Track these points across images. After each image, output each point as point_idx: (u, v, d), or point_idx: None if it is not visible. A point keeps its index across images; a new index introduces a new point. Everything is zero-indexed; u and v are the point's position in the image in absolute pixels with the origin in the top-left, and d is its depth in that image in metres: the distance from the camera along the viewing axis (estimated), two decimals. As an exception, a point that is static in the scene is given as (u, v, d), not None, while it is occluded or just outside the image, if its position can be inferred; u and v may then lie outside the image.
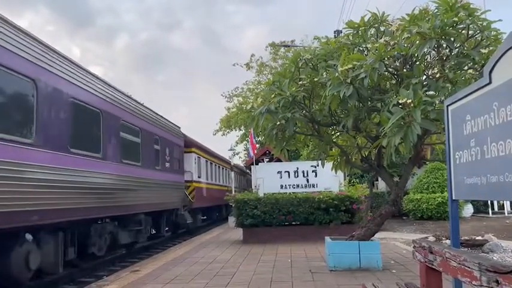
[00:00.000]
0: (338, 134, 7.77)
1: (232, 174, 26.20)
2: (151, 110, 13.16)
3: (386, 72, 5.88)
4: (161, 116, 14.00)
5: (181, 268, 7.72)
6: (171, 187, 14.05)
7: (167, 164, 13.80)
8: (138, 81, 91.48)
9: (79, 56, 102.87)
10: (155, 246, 13.31)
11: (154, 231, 13.74)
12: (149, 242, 13.28)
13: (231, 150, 27.65)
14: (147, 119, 12.33)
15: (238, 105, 32.73)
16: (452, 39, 5.46)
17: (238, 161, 36.55)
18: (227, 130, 35.85)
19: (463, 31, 5.42)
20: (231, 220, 14.97)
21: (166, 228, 14.59)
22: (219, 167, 24.21)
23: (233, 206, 11.93)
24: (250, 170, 22.65)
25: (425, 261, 2.94)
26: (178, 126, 16.13)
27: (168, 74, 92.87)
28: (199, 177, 18.18)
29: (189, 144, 17.37)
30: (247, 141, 30.59)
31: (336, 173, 9.04)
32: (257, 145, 22.32)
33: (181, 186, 15.59)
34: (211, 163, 21.59)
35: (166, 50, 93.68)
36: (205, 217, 21.94)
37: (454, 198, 3.45)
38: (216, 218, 23.94)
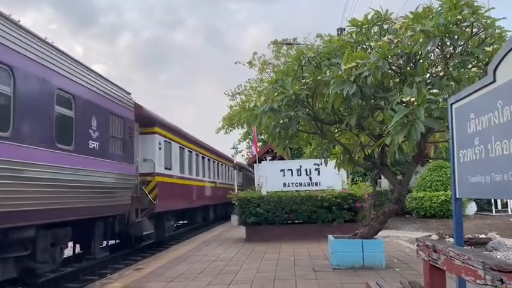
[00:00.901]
0: (341, 132, 7.76)
1: (235, 172, 26.05)
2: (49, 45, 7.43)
3: (389, 71, 5.87)
4: (80, 63, 8.42)
5: (184, 266, 7.73)
6: (107, 183, 8.86)
7: (93, 144, 8.35)
8: (140, 79, 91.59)
9: (81, 55, 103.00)
10: (158, 244, 13.34)
11: (80, 250, 9.42)
12: (150, 241, 12.91)
13: (233, 148, 27.52)
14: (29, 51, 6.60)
15: (240, 103, 32.70)
16: (456, 37, 5.44)
17: (241, 159, 36.50)
18: (230, 128, 35.83)
19: (467, 29, 5.40)
20: (234, 218, 14.98)
21: (103, 245, 9.65)
22: (213, 161, 21.43)
23: (235, 204, 11.94)
24: (253, 168, 22.53)
25: (429, 260, 2.94)
26: (126, 92, 10.66)
27: (170, 72, 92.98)
28: (167, 168, 13.23)
29: (148, 122, 12.03)
30: (250, 139, 30.44)
31: (338, 171, 9.02)
32: (258, 143, 21.62)
33: (130, 181, 10.22)
34: (196, 154, 17.61)
35: (168, 49, 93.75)
36: (185, 221, 18.36)
37: (457, 196, 3.44)
38: (204, 222, 19.96)
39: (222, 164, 24.36)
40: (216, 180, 22.13)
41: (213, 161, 21.66)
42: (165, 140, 13.15)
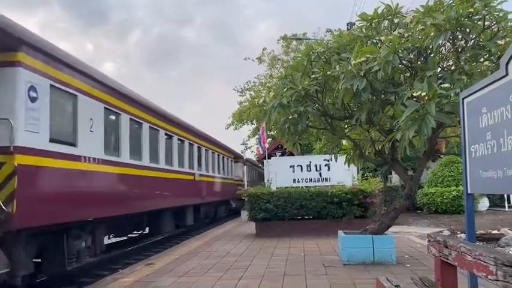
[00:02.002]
0: (351, 127, 7.72)
1: (245, 168, 26.07)
2: None
3: (400, 65, 5.81)
4: None
5: (195, 261, 7.79)
6: None
7: None
8: (150, 77, 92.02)
9: (92, 53, 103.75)
10: (169, 240, 13.44)
11: None
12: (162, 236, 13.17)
13: (243, 144, 27.57)
14: None
15: (250, 99, 32.72)
16: (467, 30, 5.36)
17: (251, 155, 36.55)
18: (239, 124, 35.90)
19: (479, 22, 5.32)
20: (244, 214, 15.02)
21: None
22: (198, 147, 16.28)
23: (245, 200, 11.96)
24: (262, 164, 22.52)
25: (440, 256, 2.92)
26: None
27: (180, 69, 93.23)
28: (60, 142, 7.13)
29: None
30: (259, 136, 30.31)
31: (349, 167, 8.99)
32: (268, 139, 20.81)
33: None
34: (154, 129, 11.59)
35: (178, 45, 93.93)
36: (141, 232, 12.62)
37: (469, 192, 3.41)
38: (179, 230, 14.98)
39: (211, 152, 18.51)
40: (198, 171, 15.91)
41: (198, 146, 16.17)
42: (54, 85, 6.99)
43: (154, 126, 11.62)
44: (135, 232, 12.42)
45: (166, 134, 12.68)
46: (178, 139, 13.93)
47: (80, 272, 8.56)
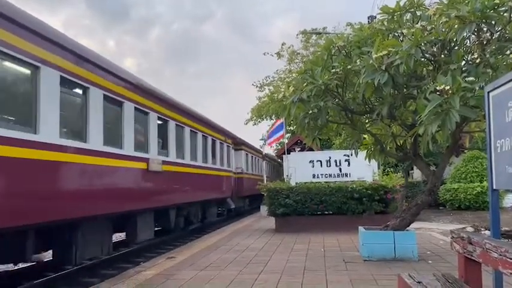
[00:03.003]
0: (372, 122, 7.64)
1: (264, 163, 26.04)
2: None
3: (423, 59, 5.71)
4: None
5: (215, 255, 7.86)
6: None
7: None
8: (170, 72, 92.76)
9: (114, 49, 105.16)
10: (190, 234, 13.60)
11: None
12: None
13: (262, 139, 27.52)
14: None
15: (269, 94, 32.66)
16: (493, 22, 5.21)
17: (270, 150, 36.51)
18: (258, 119, 35.89)
19: (505, 14, 5.17)
20: (263, 209, 15.06)
21: None
22: (182, 126, 12.29)
23: (265, 194, 11.99)
24: (281, 159, 22.37)
25: (464, 252, 2.88)
26: None
27: (199, 64, 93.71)
28: None
29: None
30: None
31: (369, 162, 8.91)
32: (287, 134, 19.40)
33: None
34: (100, 93, 7.87)
35: (197, 41, 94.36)
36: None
37: (494, 188, 3.34)
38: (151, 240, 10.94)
39: (189, 130, 13.01)
40: (157, 156, 10.45)
41: (162, 119, 11.02)
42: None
43: (104, 91, 8.10)
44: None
45: (119, 104, 8.70)
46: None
47: (102, 264, 8.76)
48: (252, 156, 23.51)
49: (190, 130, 13.18)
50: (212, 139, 15.58)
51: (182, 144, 12.50)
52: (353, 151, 7.75)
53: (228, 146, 18.20)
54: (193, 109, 14.05)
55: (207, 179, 14.64)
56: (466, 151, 15.28)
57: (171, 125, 11.65)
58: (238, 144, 20.32)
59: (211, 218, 16.04)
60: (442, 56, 5.71)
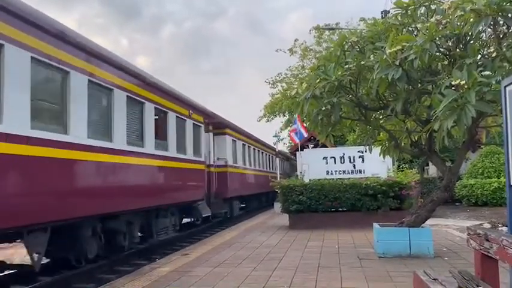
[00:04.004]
0: (386, 118, 7.57)
1: (277, 160, 25.99)
2: None
3: (437, 53, 5.64)
4: None
5: (229, 252, 7.90)
6: None
7: None
8: (182, 69, 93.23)
9: (127, 47, 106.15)
10: (204, 231, 13.67)
11: None
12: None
13: (275, 136, 27.44)
14: None
15: (282, 91, 32.60)
16: (510, 15, 5.11)
17: (283, 147, 36.47)
18: (271, 116, 35.87)
19: (523, 6, 5.07)
20: (277, 206, 15.05)
21: None
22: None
23: (278, 191, 11.99)
24: (295, 156, 22.30)
25: (481, 249, 2.84)
26: None
27: (211, 61, 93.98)
28: None
29: None
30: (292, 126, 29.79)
31: (384, 159, 8.83)
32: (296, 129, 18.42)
33: None
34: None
35: (210, 38, 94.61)
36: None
37: (512, 183, 3.28)
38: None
39: (124, 94, 8.34)
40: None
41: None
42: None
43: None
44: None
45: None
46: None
47: (118, 260, 8.88)
48: (250, 147, 19.28)
49: (126, 93, 8.38)
50: (159, 109, 9.93)
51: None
52: (367, 147, 7.70)
53: (196, 124, 12.35)
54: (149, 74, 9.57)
55: (155, 174, 9.59)
56: (482, 146, 15.06)
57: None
58: (219, 126, 14.91)
59: (162, 233, 10.58)
60: (458, 50, 5.63)
